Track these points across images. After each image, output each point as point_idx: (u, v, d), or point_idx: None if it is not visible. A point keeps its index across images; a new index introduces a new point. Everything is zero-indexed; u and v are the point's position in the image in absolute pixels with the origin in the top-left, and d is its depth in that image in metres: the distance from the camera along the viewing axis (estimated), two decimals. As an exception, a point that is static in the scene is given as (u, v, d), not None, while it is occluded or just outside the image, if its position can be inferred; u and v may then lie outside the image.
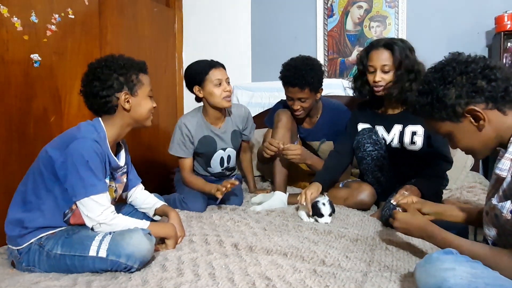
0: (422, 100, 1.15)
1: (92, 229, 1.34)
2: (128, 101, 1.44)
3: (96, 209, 1.31)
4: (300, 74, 2.01)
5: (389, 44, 1.86)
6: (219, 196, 1.90)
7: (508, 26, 2.43)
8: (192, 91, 2.10)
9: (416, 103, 1.17)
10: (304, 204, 1.79)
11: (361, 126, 2.03)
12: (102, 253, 1.27)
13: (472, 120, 1.10)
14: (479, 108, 1.07)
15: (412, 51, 1.86)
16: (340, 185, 2.12)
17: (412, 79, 1.83)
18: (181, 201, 2.05)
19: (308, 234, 1.59)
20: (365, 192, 1.98)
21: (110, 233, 1.32)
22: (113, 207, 1.37)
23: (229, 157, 2.23)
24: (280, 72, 2.11)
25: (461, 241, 1.16)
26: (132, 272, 1.27)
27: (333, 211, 1.79)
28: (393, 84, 1.85)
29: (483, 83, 1.06)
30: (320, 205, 1.77)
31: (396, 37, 2.75)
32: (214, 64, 2.05)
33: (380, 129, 2.00)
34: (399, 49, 1.83)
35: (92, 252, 1.28)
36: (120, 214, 1.40)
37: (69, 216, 1.38)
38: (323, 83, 2.14)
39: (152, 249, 1.32)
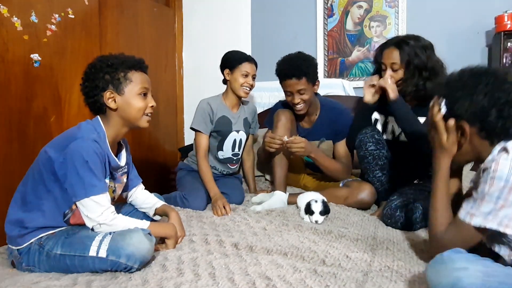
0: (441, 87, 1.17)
1: (92, 229, 1.34)
2: (114, 100, 1.41)
3: (96, 209, 1.31)
4: (295, 65, 2.07)
5: (399, 42, 1.91)
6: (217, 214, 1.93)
7: (508, 26, 2.43)
8: (222, 72, 2.31)
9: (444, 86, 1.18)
10: None
11: (375, 116, 2.10)
12: (102, 253, 1.26)
13: (458, 132, 1.14)
14: (470, 131, 1.11)
15: (425, 49, 1.89)
16: (340, 185, 2.12)
17: (426, 77, 1.87)
18: (183, 197, 2.07)
19: (308, 234, 1.59)
20: (366, 191, 1.98)
21: (110, 233, 1.31)
22: (113, 208, 1.37)
23: (240, 142, 2.33)
24: (276, 70, 2.14)
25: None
26: (132, 272, 1.27)
27: (326, 211, 1.77)
28: (403, 82, 1.91)
29: (493, 114, 1.07)
30: (312, 202, 1.77)
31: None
32: (250, 59, 2.28)
33: (392, 119, 2.03)
34: (409, 48, 1.88)
35: (92, 252, 1.27)
36: (120, 214, 1.40)
37: (69, 216, 1.38)
38: (319, 78, 2.17)
39: (152, 249, 1.32)
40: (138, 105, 1.44)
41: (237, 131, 2.30)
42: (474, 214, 1.08)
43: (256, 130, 2.47)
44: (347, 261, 1.32)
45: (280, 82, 2.15)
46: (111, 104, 1.41)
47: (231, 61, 2.26)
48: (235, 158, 2.34)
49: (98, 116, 1.45)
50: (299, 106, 2.13)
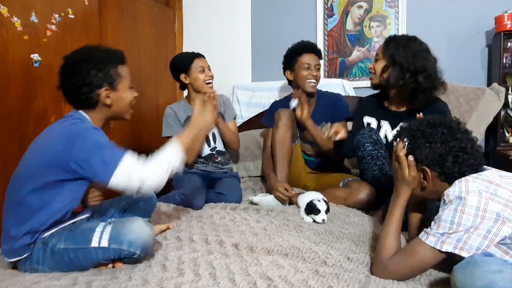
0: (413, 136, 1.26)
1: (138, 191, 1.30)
2: (108, 97, 1.40)
3: (124, 176, 1.27)
4: (314, 44, 2.33)
5: (390, 38, 1.98)
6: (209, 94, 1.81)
7: (508, 26, 2.44)
8: (178, 79, 2.34)
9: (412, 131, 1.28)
10: (331, 134, 1.92)
11: (366, 120, 2.09)
12: (104, 243, 1.27)
13: (421, 175, 1.23)
14: (431, 174, 1.21)
15: (417, 51, 1.87)
16: (341, 185, 2.12)
17: (411, 73, 1.86)
18: (181, 194, 2.07)
19: (309, 234, 1.59)
20: (365, 192, 1.98)
21: (110, 223, 1.33)
22: (134, 161, 1.30)
23: (214, 135, 2.34)
24: (291, 49, 2.32)
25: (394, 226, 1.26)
26: (135, 259, 1.28)
27: (329, 209, 1.79)
28: (385, 72, 1.93)
29: (450, 160, 1.18)
30: (315, 201, 1.77)
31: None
32: (197, 55, 2.31)
33: (386, 124, 2.03)
34: (395, 44, 1.91)
35: (95, 243, 1.27)
36: (147, 160, 1.34)
37: (70, 212, 1.35)
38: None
39: (153, 236, 1.34)
40: (129, 98, 1.46)
41: None
42: (430, 234, 1.14)
43: (230, 119, 2.41)
44: (349, 262, 1.32)
45: (297, 57, 2.27)
46: (107, 101, 1.41)
47: (182, 64, 2.28)
48: (214, 152, 2.35)
49: (81, 111, 1.41)
50: (313, 80, 2.24)
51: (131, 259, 1.29)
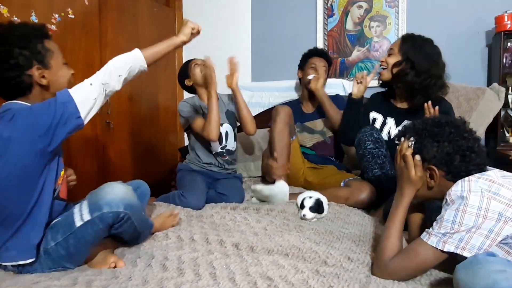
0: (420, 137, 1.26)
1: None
2: (43, 76, 1.26)
3: (82, 91, 1.23)
4: (325, 51, 2.71)
5: (408, 35, 2.03)
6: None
7: (508, 26, 2.44)
8: (186, 86, 2.39)
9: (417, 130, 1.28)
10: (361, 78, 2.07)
11: (373, 115, 2.12)
12: (87, 217, 1.24)
13: (427, 175, 1.22)
14: (438, 174, 1.20)
15: (430, 54, 1.92)
16: (342, 184, 2.12)
17: (416, 70, 1.91)
18: (180, 195, 2.07)
19: (309, 234, 1.59)
20: (366, 192, 1.98)
21: (85, 199, 1.30)
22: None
23: (226, 134, 2.34)
24: (305, 53, 2.63)
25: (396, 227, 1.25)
26: (125, 221, 1.28)
27: (318, 210, 1.79)
28: (394, 66, 1.98)
29: (458, 159, 1.18)
30: (306, 197, 1.80)
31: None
32: (191, 59, 2.37)
33: (391, 121, 2.07)
34: (411, 41, 1.96)
35: (78, 222, 1.24)
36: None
37: (58, 191, 1.33)
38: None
39: (130, 192, 1.31)
40: (67, 76, 1.35)
41: (221, 125, 2.30)
42: (432, 234, 1.13)
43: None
44: (349, 262, 1.32)
45: (308, 59, 2.58)
46: (43, 81, 1.27)
47: (183, 71, 2.36)
48: (224, 150, 2.35)
49: (16, 100, 1.27)
50: (318, 76, 2.48)
51: (122, 223, 1.27)
